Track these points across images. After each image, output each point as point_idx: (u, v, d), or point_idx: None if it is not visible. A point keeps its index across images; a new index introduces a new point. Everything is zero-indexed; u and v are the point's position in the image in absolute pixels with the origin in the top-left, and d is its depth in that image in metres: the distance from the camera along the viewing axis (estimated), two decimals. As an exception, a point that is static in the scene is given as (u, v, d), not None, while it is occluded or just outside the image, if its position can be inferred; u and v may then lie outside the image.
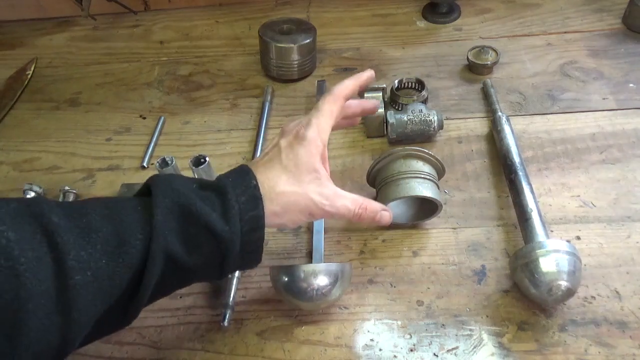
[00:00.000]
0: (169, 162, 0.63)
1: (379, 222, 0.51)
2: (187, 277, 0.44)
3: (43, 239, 0.35)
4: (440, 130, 0.69)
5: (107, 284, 0.37)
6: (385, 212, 0.52)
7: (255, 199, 0.43)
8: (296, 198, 0.46)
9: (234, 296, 0.54)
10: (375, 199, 0.60)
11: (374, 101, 0.59)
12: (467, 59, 0.79)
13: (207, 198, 0.42)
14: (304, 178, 0.46)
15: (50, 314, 0.35)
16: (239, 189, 0.43)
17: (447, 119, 0.72)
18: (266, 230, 0.44)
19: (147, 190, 0.43)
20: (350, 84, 0.53)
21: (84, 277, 0.36)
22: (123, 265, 0.38)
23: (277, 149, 0.48)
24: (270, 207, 0.45)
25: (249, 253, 0.44)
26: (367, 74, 0.56)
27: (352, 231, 0.61)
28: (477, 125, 0.72)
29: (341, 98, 0.52)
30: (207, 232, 0.41)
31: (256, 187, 0.44)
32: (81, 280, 0.36)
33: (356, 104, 0.57)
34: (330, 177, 0.49)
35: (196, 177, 0.63)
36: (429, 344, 0.50)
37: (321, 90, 0.77)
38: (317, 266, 0.51)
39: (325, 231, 0.60)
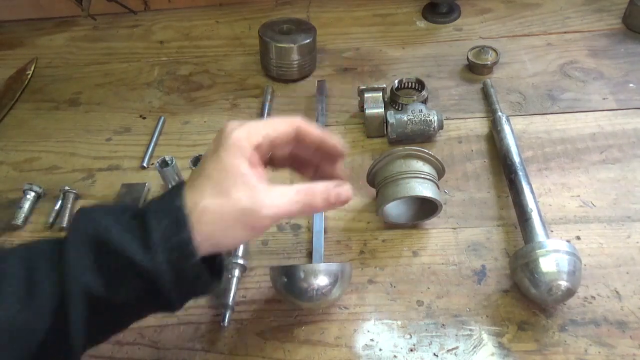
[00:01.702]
0: (169, 162, 0.63)
1: (338, 200, 0.44)
2: (125, 314, 0.40)
3: None
4: (440, 130, 0.69)
5: (20, 333, 0.34)
6: (339, 188, 0.44)
7: (178, 221, 0.38)
8: (223, 211, 0.39)
9: (234, 296, 0.54)
10: (376, 199, 0.60)
11: (339, 144, 0.47)
12: (467, 59, 0.79)
13: (130, 226, 0.38)
14: (230, 185, 0.39)
15: None
16: (162, 212, 0.38)
17: (447, 119, 0.72)
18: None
19: None
20: (314, 130, 0.45)
21: None
22: (36, 311, 0.35)
23: (206, 156, 0.42)
24: (198, 228, 0.38)
25: (191, 281, 0.39)
26: (337, 144, 0.47)
27: (352, 231, 0.61)
28: (477, 125, 0.72)
29: (294, 126, 0.44)
30: (128, 264, 0.36)
31: (180, 208, 0.38)
32: None
33: (316, 134, 0.45)
34: (265, 180, 0.42)
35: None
36: (429, 344, 0.50)
37: (321, 90, 0.77)
38: (317, 266, 0.51)
39: (325, 231, 0.60)
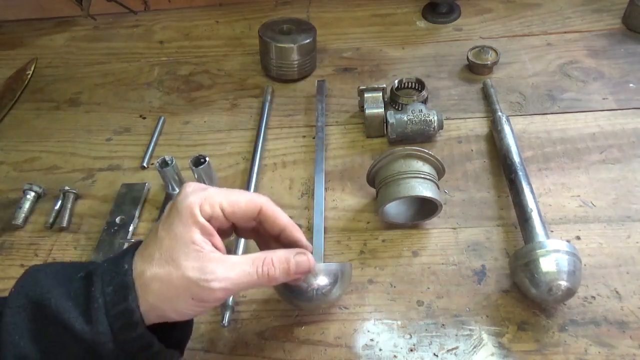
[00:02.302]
0: (169, 162, 0.63)
1: (297, 271, 0.42)
2: None
3: None
4: (440, 130, 0.69)
5: None
6: (300, 257, 0.42)
7: (123, 288, 0.35)
8: (169, 280, 0.36)
9: (234, 296, 0.54)
10: (376, 199, 0.60)
11: (303, 242, 0.45)
12: (467, 59, 0.79)
13: (75, 290, 0.36)
14: (179, 253, 0.37)
15: None
16: (109, 276, 0.36)
17: (447, 119, 0.72)
18: None
19: None
20: (279, 215, 0.43)
21: None
22: None
23: (159, 221, 0.40)
24: (145, 296, 0.36)
25: (139, 352, 0.37)
26: (301, 239, 0.45)
27: (352, 231, 0.61)
28: (477, 125, 0.72)
29: (257, 204, 0.42)
30: (67, 332, 0.34)
31: (126, 273, 0.36)
32: None
33: (282, 221, 0.43)
34: (218, 251, 0.39)
35: (196, 177, 0.63)
36: (429, 344, 0.50)
37: (321, 90, 0.77)
38: (317, 266, 0.51)
39: (325, 231, 0.60)
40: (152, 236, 0.38)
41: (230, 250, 0.56)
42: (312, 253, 0.45)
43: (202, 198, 0.39)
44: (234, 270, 0.38)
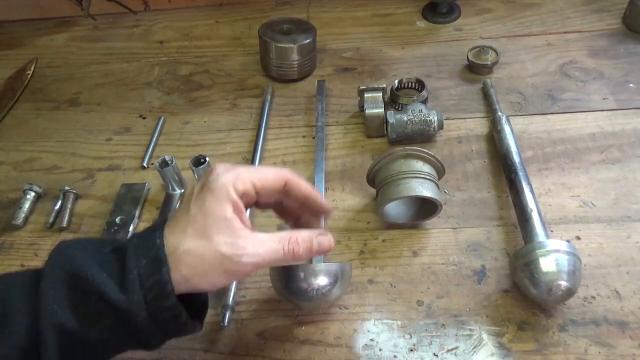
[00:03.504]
0: (169, 162, 0.63)
1: (320, 250, 0.45)
2: (102, 350, 0.39)
3: None
4: (440, 130, 0.69)
5: None
6: (322, 237, 0.45)
7: (156, 261, 0.38)
8: (203, 254, 0.39)
9: (234, 296, 0.54)
10: (376, 199, 0.60)
11: (324, 204, 0.48)
12: (467, 59, 0.79)
13: (108, 263, 0.38)
14: (212, 229, 0.39)
15: None
16: (142, 251, 0.38)
17: (447, 119, 0.72)
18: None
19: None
20: (302, 185, 0.46)
21: None
22: (9, 346, 0.35)
23: (190, 196, 0.42)
24: (177, 269, 0.38)
25: (168, 322, 0.39)
26: (323, 204, 0.48)
27: (352, 231, 0.61)
28: (477, 125, 0.72)
29: (284, 178, 0.44)
30: (103, 302, 0.36)
31: (160, 247, 0.38)
32: None
33: (303, 188, 0.46)
34: (248, 227, 0.41)
35: (196, 176, 0.63)
36: (429, 344, 0.50)
37: (321, 90, 0.77)
38: (317, 266, 0.51)
39: (325, 231, 0.60)
40: (183, 214, 0.40)
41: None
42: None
43: (234, 176, 0.41)
44: (263, 247, 0.41)
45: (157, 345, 0.40)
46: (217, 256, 0.39)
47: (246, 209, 0.43)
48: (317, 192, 0.47)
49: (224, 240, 0.39)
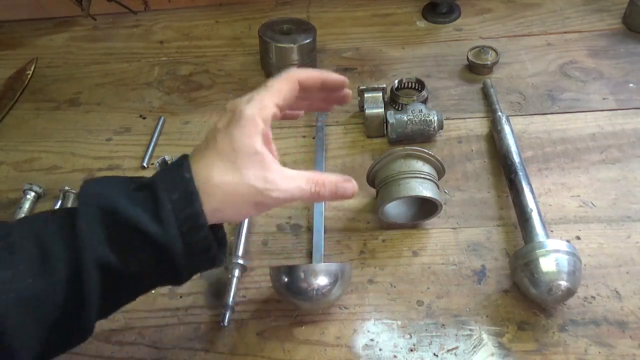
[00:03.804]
0: (169, 162, 0.63)
1: (343, 194, 0.45)
2: (136, 284, 0.41)
3: None
4: (440, 130, 0.69)
5: (37, 303, 0.35)
6: (347, 184, 0.45)
7: (188, 194, 0.38)
8: (235, 188, 0.40)
9: (234, 296, 0.54)
10: (376, 199, 0.60)
11: (340, 76, 0.49)
12: (467, 59, 0.79)
13: (138, 198, 0.38)
14: (243, 163, 0.40)
15: None
16: (171, 185, 0.38)
17: (447, 119, 0.72)
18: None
19: None
20: (311, 72, 0.47)
21: (8, 298, 0.34)
22: (52, 282, 0.36)
23: (214, 132, 0.42)
24: (208, 201, 0.39)
25: (200, 254, 0.40)
26: (336, 76, 0.49)
27: (352, 231, 0.61)
28: (477, 125, 0.72)
29: (294, 79, 0.45)
30: (140, 236, 0.37)
31: (190, 181, 0.39)
32: (5, 302, 0.34)
33: (315, 74, 0.47)
34: (276, 159, 0.43)
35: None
36: (429, 344, 0.51)
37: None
38: (317, 266, 0.51)
39: (325, 231, 0.60)
40: (211, 147, 0.41)
41: (231, 250, 0.56)
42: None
43: (258, 106, 0.41)
44: (291, 183, 0.42)
45: (185, 280, 0.41)
46: (248, 190, 0.40)
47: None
48: (328, 73, 0.48)
49: (255, 174, 0.40)
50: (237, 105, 0.42)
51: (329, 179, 0.44)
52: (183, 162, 0.40)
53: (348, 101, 0.52)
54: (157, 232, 0.37)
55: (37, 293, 0.35)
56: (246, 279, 0.57)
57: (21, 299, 0.34)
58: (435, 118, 0.67)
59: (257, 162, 0.40)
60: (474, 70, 0.79)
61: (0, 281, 0.34)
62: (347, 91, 0.51)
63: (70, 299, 0.36)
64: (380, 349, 0.51)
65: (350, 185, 0.46)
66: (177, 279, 0.41)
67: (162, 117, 0.77)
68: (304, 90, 0.46)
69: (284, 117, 0.47)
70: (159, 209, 0.37)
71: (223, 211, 0.40)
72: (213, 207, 0.39)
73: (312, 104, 0.51)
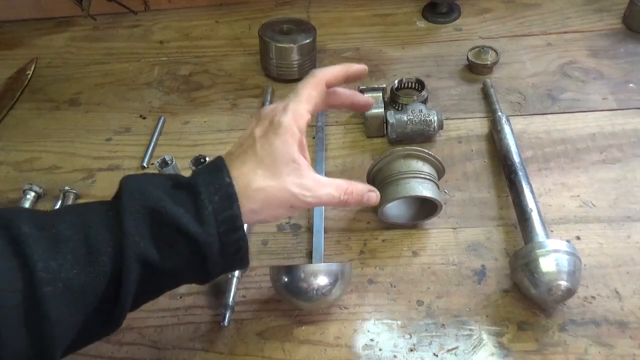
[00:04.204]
0: (169, 162, 0.63)
1: (367, 203, 0.50)
2: (168, 281, 0.42)
3: (12, 250, 0.35)
4: (440, 130, 0.69)
5: (80, 294, 0.36)
6: (372, 193, 0.50)
7: (229, 197, 0.41)
8: (274, 193, 0.43)
9: (234, 296, 0.54)
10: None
11: (367, 97, 0.55)
12: (467, 59, 0.79)
13: (179, 198, 0.40)
14: (282, 170, 0.43)
15: (22, 328, 0.34)
16: (212, 188, 0.41)
17: (447, 119, 0.72)
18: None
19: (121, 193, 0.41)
20: (335, 69, 0.50)
21: (54, 288, 0.35)
22: (96, 275, 0.37)
23: (251, 139, 0.45)
24: (247, 204, 0.42)
25: (232, 254, 0.42)
26: (358, 66, 0.52)
27: (352, 231, 0.61)
28: (477, 125, 0.72)
29: (322, 83, 0.48)
30: (181, 234, 0.39)
31: (230, 185, 0.41)
32: (51, 292, 0.35)
33: (347, 94, 0.53)
34: (310, 166, 0.46)
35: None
36: (429, 344, 0.51)
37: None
38: (317, 266, 0.51)
39: (325, 231, 0.60)
40: (251, 154, 0.44)
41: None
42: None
43: (293, 115, 0.45)
44: (323, 190, 0.45)
45: (212, 279, 0.43)
46: (286, 194, 0.43)
47: None
48: (344, 64, 0.51)
49: (293, 180, 0.43)
50: (274, 114, 0.45)
51: (356, 189, 0.48)
52: (222, 167, 0.43)
53: (371, 107, 0.56)
54: (198, 231, 0.39)
55: (81, 284, 0.36)
56: (246, 279, 0.57)
57: (66, 288, 0.36)
58: (435, 118, 0.67)
59: (294, 169, 0.44)
60: (474, 70, 0.79)
61: (47, 271, 0.35)
62: (371, 100, 0.55)
63: (110, 291, 0.38)
64: (380, 349, 0.51)
65: (374, 195, 0.50)
66: (206, 278, 0.43)
67: (162, 117, 0.77)
68: (330, 87, 0.49)
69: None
70: (200, 210, 0.40)
71: (260, 213, 0.43)
72: (250, 209, 0.42)
73: (337, 100, 0.54)
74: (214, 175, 0.42)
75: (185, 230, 0.39)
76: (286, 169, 0.44)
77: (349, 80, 0.51)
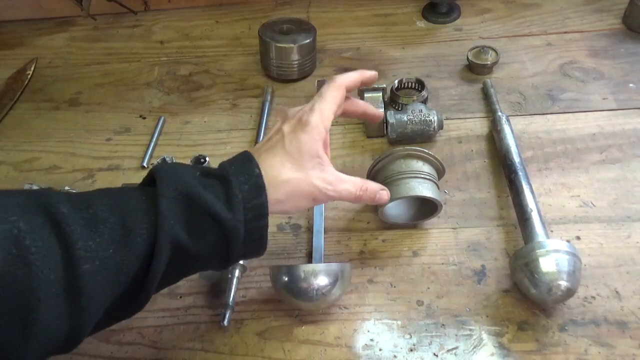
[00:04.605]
0: (169, 162, 0.63)
1: (379, 201, 0.53)
2: (193, 265, 0.45)
3: (52, 229, 0.36)
4: (440, 130, 0.69)
5: (115, 272, 0.38)
6: (383, 192, 0.53)
7: (258, 187, 0.44)
8: (300, 185, 0.46)
9: (234, 296, 0.54)
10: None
11: (379, 111, 0.58)
12: (467, 59, 0.79)
13: (210, 186, 0.43)
14: (307, 164, 0.47)
15: (60, 303, 0.36)
16: (242, 177, 0.44)
17: (447, 119, 0.72)
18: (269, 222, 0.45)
19: (151, 180, 0.43)
20: (353, 76, 0.53)
21: (92, 266, 0.37)
22: (130, 254, 0.39)
23: (280, 135, 0.48)
24: (274, 194, 0.45)
25: (254, 241, 0.44)
26: (371, 73, 0.56)
27: (352, 231, 0.61)
28: (477, 125, 0.72)
29: (343, 87, 0.52)
30: (212, 220, 0.41)
31: (259, 176, 0.44)
32: (89, 269, 0.36)
33: (362, 104, 0.57)
34: (331, 163, 0.50)
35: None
36: (429, 344, 0.51)
37: (321, 90, 0.77)
38: (317, 266, 0.51)
39: (325, 231, 0.60)
40: (279, 148, 0.47)
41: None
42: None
43: (320, 116, 0.48)
44: (343, 186, 0.49)
45: (231, 264, 0.46)
46: (311, 187, 0.47)
47: None
48: (360, 71, 0.55)
49: (317, 174, 0.47)
50: (302, 114, 0.49)
51: (371, 186, 0.52)
52: (251, 159, 0.46)
53: (380, 120, 0.60)
54: (228, 217, 0.42)
55: (117, 263, 0.38)
56: (246, 279, 0.57)
57: (103, 267, 0.37)
58: (435, 118, 0.67)
59: (318, 164, 0.47)
60: (474, 70, 0.79)
61: (85, 249, 0.37)
62: (380, 113, 0.59)
63: (141, 271, 0.40)
64: (380, 349, 0.51)
65: (385, 193, 0.54)
66: (226, 263, 0.45)
67: (162, 117, 0.77)
68: (349, 91, 0.53)
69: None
70: (231, 197, 0.42)
71: (285, 203, 0.46)
72: (276, 199, 0.45)
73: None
74: (244, 167, 0.45)
75: (216, 216, 0.41)
76: (311, 163, 0.47)
77: (362, 85, 0.56)
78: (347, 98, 0.54)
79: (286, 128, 0.48)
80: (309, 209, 0.63)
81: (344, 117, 0.58)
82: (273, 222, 0.61)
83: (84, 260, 0.36)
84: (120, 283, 0.39)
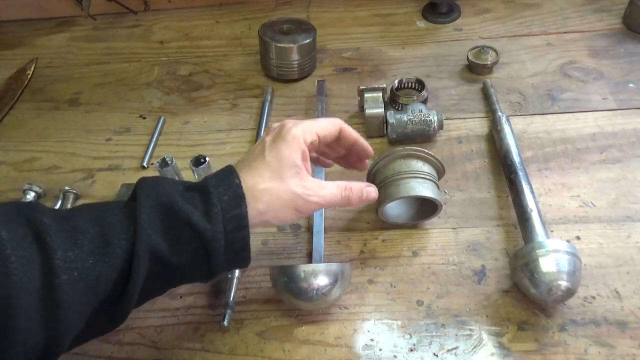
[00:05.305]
0: (169, 162, 0.63)
1: (367, 199, 0.52)
2: (174, 277, 0.44)
3: (34, 239, 0.37)
4: (440, 130, 0.69)
5: (93, 283, 0.38)
6: (370, 188, 0.53)
7: (237, 197, 0.43)
8: (279, 193, 0.46)
9: (234, 296, 0.54)
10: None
11: (370, 148, 0.56)
12: (467, 59, 0.79)
13: (190, 198, 0.43)
14: (285, 173, 0.46)
15: (37, 312, 0.36)
16: (222, 188, 0.44)
17: (447, 119, 0.72)
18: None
19: (135, 195, 0.43)
20: (352, 131, 0.54)
21: (70, 276, 0.37)
22: (109, 265, 0.39)
23: (261, 146, 0.48)
24: (254, 205, 0.44)
25: (236, 252, 0.44)
26: (367, 145, 0.55)
27: (352, 231, 0.61)
28: (477, 125, 0.72)
29: (338, 126, 0.52)
30: (190, 230, 0.41)
31: (238, 186, 0.44)
32: (67, 280, 0.37)
33: (354, 134, 0.55)
34: (310, 175, 0.49)
35: (196, 177, 0.63)
36: (429, 344, 0.51)
37: (321, 90, 0.77)
38: (317, 266, 0.51)
39: (325, 231, 0.60)
40: (259, 158, 0.47)
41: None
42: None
43: (302, 129, 0.49)
44: (326, 190, 0.48)
45: (216, 276, 0.45)
46: (290, 195, 0.46)
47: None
48: (361, 138, 0.55)
49: (296, 182, 0.46)
50: (285, 125, 0.49)
51: (355, 185, 0.51)
52: (232, 171, 0.46)
53: (365, 169, 0.59)
54: (206, 228, 0.41)
55: (96, 274, 0.38)
56: (246, 279, 0.57)
57: (81, 278, 0.37)
58: (435, 118, 0.67)
59: (297, 174, 0.47)
60: (474, 70, 0.79)
61: (64, 260, 0.37)
62: (367, 163, 0.58)
63: (120, 282, 0.40)
64: (380, 349, 0.51)
65: (372, 189, 0.53)
66: (208, 275, 0.44)
67: (162, 117, 0.77)
68: (339, 139, 0.53)
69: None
70: (210, 208, 0.42)
71: (266, 213, 0.45)
72: (257, 210, 0.45)
73: (337, 157, 0.58)
74: (224, 178, 0.45)
75: (195, 226, 0.41)
76: (289, 172, 0.46)
77: (354, 149, 0.55)
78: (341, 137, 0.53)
79: (268, 139, 0.49)
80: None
81: (333, 154, 0.58)
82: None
83: (62, 270, 0.36)
84: (98, 294, 0.39)
